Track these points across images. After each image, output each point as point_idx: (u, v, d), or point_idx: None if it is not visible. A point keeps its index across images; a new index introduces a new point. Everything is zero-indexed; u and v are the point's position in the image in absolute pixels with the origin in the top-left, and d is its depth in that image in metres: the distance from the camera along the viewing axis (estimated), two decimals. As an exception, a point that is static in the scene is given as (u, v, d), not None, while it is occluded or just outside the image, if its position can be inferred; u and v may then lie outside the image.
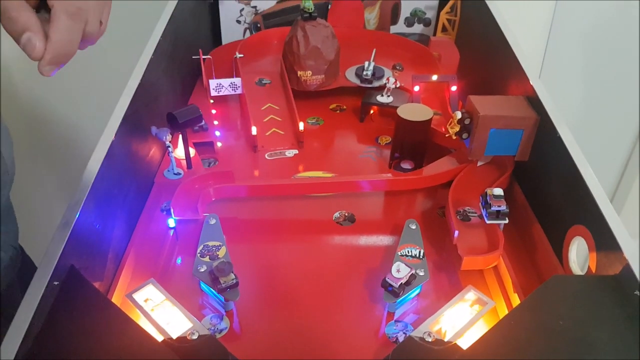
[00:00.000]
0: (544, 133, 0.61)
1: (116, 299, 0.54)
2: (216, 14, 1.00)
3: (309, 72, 0.84)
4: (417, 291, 0.55)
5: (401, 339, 0.51)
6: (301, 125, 0.77)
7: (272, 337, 0.52)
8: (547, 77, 1.30)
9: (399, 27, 1.03)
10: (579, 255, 0.54)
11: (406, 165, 0.73)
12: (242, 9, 1.00)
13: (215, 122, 0.81)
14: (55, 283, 0.44)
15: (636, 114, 1.37)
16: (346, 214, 0.67)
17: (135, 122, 0.65)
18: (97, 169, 0.55)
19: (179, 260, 0.61)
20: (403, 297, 0.53)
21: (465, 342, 0.45)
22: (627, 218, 1.50)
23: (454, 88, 0.81)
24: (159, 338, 0.46)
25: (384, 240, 0.63)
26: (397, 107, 0.71)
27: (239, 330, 0.52)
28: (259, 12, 1.00)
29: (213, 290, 0.53)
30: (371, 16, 1.02)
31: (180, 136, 0.70)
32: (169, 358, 0.42)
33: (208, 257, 0.56)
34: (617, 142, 1.44)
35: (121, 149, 0.62)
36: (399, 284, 0.52)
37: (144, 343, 0.43)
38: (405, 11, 1.02)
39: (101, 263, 0.54)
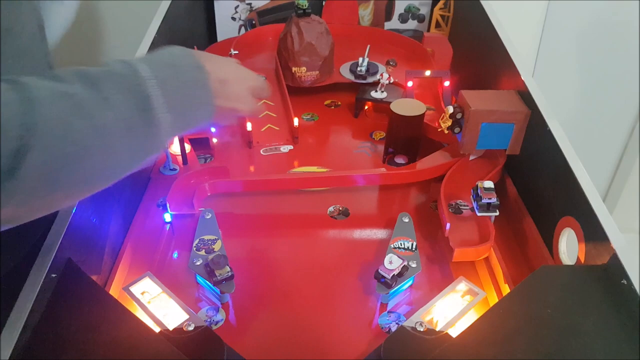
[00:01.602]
0: (535, 127, 0.62)
1: (113, 292, 0.54)
2: (211, 11, 1.01)
3: (304, 69, 0.84)
4: (410, 283, 0.56)
5: (394, 329, 0.52)
6: (296, 121, 0.77)
7: (267, 328, 0.53)
8: (541, 74, 1.31)
9: (393, 24, 1.04)
10: (569, 246, 0.55)
11: (400, 159, 0.74)
12: (237, 6, 1.01)
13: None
14: (53, 275, 0.45)
15: (630, 110, 1.38)
16: (340, 208, 0.67)
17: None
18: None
19: (175, 255, 0.61)
20: (396, 288, 0.54)
21: (456, 332, 0.46)
22: (621, 213, 1.51)
23: (447, 83, 0.82)
24: (156, 329, 0.47)
25: (377, 233, 0.64)
26: (391, 103, 0.72)
27: (235, 322, 0.53)
28: (253, 9, 1.01)
29: (209, 283, 0.54)
30: (365, 12, 1.03)
31: (176, 132, 0.71)
32: (166, 348, 0.43)
33: (204, 250, 0.57)
34: (611, 138, 1.45)
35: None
36: (391, 275, 0.52)
37: (141, 334, 0.43)
38: (399, 7, 1.03)
39: (98, 257, 0.55)
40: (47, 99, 0.36)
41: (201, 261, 0.55)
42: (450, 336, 0.46)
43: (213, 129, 0.80)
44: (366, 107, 0.85)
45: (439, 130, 0.68)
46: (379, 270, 0.53)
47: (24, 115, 0.34)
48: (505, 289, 0.54)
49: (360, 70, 0.86)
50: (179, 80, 0.46)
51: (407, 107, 0.72)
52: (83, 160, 0.39)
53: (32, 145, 0.34)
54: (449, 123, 0.65)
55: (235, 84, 0.53)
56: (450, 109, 0.65)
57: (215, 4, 1.00)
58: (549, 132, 0.59)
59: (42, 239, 0.48)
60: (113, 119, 0.40)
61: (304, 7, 0.82)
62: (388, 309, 0.54)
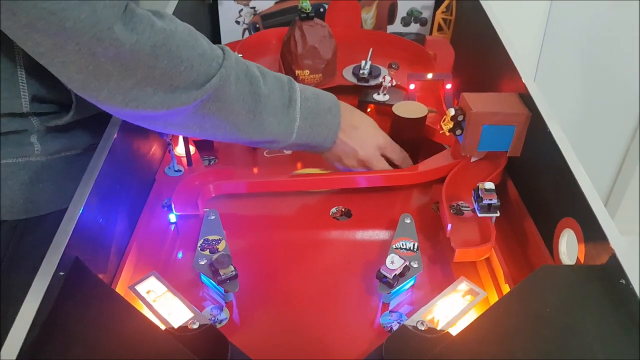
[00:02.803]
0: (536, 129, 0.63)
1: (119, 290, 0.55)
2: (215, 14, 1.02)
3: (307, 71, 0.85)
4: (412, 283, 0.57)
5: (395, 328, 0.53)
6: (299, 123, 0.78)
7: (270, 327, 0.53)
8: (543, 77, 1.31)
9: (396, 27, 1.05)
10: (569, 247, 0.56)
11: (402, 161, 0.74)
12: (241, 9, 1.02)
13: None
14: (61, 274, 0.46)
15: (632, 113, 1.38)
16: (343, 209, 0.68)
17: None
18: (100, 165, 0.57)
19: (180, 255, 0.62)
20: (397, 288, 0.54)
21: (457, 331, 0.46)
22: (624, 215, 1.52)
23: (448, 86, 0.83)
24: (162, 327, 0.48)
25: (379, 234, 0.65)
26: (393, 105, 0.73)
27: (239, 321, 0.54)
28: (257, 12, 1.02)
29: (213, 282, 0.55)
30: (368, 16, 1.04)
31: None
32: (171, 346, 0.44)
33: (208, 250, 0.58)
34: (614, 141, 1.45)
35: (123, 146, 0.63)
36: (393, 275, 0.53)
37: (147, 331, 0.44)
38: (401, 11, 1.03)
39: (105, 256, 0.56)
40: (234, 56, 0.58)
41: (205, 261, 0.56)
42: (450, 335, 0.47)
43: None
44: (369, 110, 0.86)
45: (441, 132, 0.69)
46: (381, 270, 0.54)
47: (222, 59, 0.56)
48: (506, 289, 0.55)
49: (363, 73, 0.86)
50: (317, 101, 0.64)
51: (409, 109, 0.73)
52: (236, 102, 0.57)
53: (216, 74, 0.54)
54: (451, 125, 0.66)
55: (364, 133, 0.69)
56: (452, 111, 0.65)
57: (220, 7, 1.01)
58: (549, 134, 0.59)
59: (48, 237, 0.49)
60: (266, 94, 0.60)
61: (307, 11, 0.83)
62: (390, 308, 0.55)
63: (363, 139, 0.69)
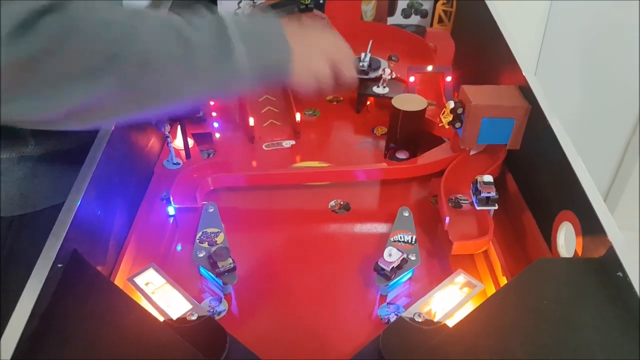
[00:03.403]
0: (535, 122, 0.63)
1: (118, 282, 0.55)
2: (215, 5, 1.01)
3: (306, 64, 0.85)
4: (409, 275, 0.57)
5: (393, 320, 0.53)
6: (298, 117, 0.78)
7: (268, 319, 0.53)
8: (543, 72, 1.31)
9: (396, 19, 1.04)
10: (567, 240, 0.56)
11: (401, 155, 0.74)
12: (240, 1, 1.01)
13: (214, 114, 0.83)
14: (59, 265, 0.46)
15: (632, 110, 1.38)
16: (342, 203, 0.68)
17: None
18: (98, 158, 0.57)
19: (178, 247, 0.62)
20: (395, 280, 0.55)
21: (454, 323, 0.47)
22: (623, 211, 1.51)
23: (448, 79, 0.83)
24: (160, 319, 0.48)
25: (378, 227, 0.65)
26: (392, 98, 0.73)
27: (237, 313, 0.54)
28: (257, 4, 1.02)
29: (211, 275, 0.55)
30: (368, 8, 1.03)
31: (179, 127, 0.72)
32: (170, 337, 0.44)
33: (207, 243, 0.58)
34: (614, 136, 1.45)
35: (121, 139, 0.63)
36: (390, 267, 0.53)
37: (146, 323, 0.44)
38: (402, 3, 1.03)
39: (103, 248, 0.56)
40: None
41: (204, 253, 0.56)
42: (447, 326, 0.47)
43: (216, 124, 0.81)
44: (368, 103, 0.85)
45: (440, 125, 0.68)
46: (379, 262, 0.54)
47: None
48: (503, 282, 0.55)
49: (363, 66, 0.86)
50: (253, 22, 0.55)
51: (408, 102, 0.73)
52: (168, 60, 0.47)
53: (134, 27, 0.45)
54: (450, 118, 0.66)
55: (317, 39, 0.60)
56: (451, 104, 0.65)
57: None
58: (549, 126, 0.59)
59: (44, 233, 0.49)
60: (198, 39, 0.49)
61: (307, 3, 0.83)
62: (387, 300, 0.55)
63: (311, 30, 0.63)
